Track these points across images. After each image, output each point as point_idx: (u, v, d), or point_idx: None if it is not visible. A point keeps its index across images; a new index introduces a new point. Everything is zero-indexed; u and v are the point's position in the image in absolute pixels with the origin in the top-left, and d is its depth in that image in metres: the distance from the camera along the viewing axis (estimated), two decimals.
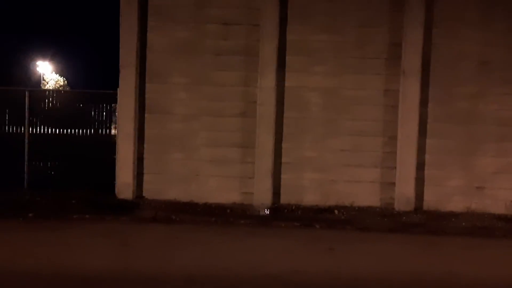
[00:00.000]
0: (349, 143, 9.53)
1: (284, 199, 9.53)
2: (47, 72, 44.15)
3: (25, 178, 9.99)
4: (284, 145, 9.53)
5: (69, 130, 10.21)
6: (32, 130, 9.96)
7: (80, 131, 10.21)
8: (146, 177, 9.63)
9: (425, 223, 8.85)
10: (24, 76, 33.88)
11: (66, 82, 42.57)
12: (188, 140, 9.60)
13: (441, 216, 9.20)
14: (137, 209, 9.03)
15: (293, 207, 9.41)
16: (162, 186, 9.58)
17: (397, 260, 6.60)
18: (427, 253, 7.01)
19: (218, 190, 9.53)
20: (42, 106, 9.94)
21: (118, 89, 9.53)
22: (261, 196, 9.39)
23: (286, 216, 9.07)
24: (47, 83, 41.83)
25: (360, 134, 9.50)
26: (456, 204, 9.37)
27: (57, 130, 10.19)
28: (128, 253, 6.51)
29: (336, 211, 9.25)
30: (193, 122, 9.57)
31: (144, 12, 9.53)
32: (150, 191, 9.62)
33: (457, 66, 9.38)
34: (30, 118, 9.84)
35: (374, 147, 9.50)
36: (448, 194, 9.43)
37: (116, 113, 9.66)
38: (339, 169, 9.52)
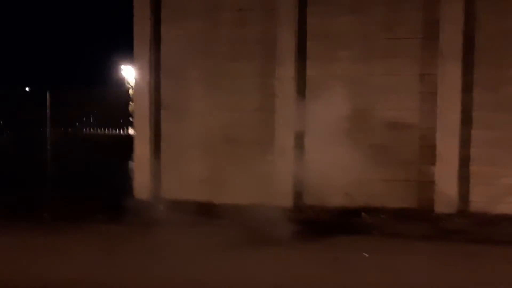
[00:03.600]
0: (380, 136, 8.45)
1: (307, 200, 8.67)
2: (131, 76, 45.94)
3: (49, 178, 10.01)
4: (306, 143, 8.66)
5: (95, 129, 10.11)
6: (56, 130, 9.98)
7: (107, 129, 10.06)
8: (163, 177, 9.23)
9: (469, 228, 7.58)
10: (110, 77, 35.20)
11: None
12: (205, 137, 9.05)
13: (490, 220, 7.85)
14: (148, 210, 8.64)
15: (317, 209, 8.53)
16: (179, 186, 9.12)
17: (424, 276, 5.55)
18: (465, 267, 5.88)
19: (237, 190, 8.87)
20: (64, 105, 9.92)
21: (134, 87, 9.22)
22: (282, 197, 8.60)
23: (307, 219, 8.25)
24: (131, 87, 43.47)
25: (393, 126, 8.38)
26: (508, 206, 7.96)
27: (83, 129, 10.14)
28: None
29: (363, 214, 8.24)
30: (210, 118, 9.00)
31: (158, 5, 9.10)
32: (168, 191, 9.20)
33: (507, 45, 7.94)
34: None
35: (409, 140, 8.34)
36: (499, 194, 8.03)
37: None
38: (368, 167, 8.46)
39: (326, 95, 8.59)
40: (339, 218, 8.17)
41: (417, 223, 7.83)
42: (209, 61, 8.96)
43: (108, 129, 10.51)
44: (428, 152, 8.26)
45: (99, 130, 10.55)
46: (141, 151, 9.16)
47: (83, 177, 9.95)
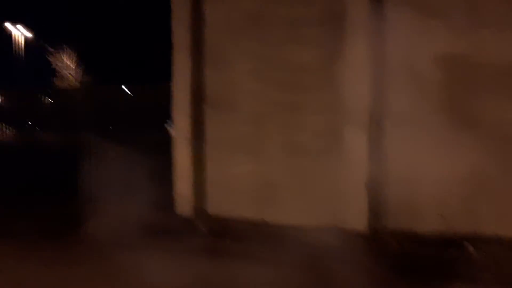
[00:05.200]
0: (493, 140, 6.10)
1: (388, 222, 6.53)
2: None
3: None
4: (385, 148, 6.53)
5: None
6: None
7: None
8: (208, 189, 7.58)
9: None
10: None
11: None
12: (258, 142, 7.23)
13: None
14: (189, 232, 7.03)
15: (401, 236, 6.37)
16: (227, 200, 7.42)
17: None
18: None
19: (296, 208, 6.99)
20: None
21: (172, 80, 7.66)
22: (353, 218, 6.56)
23: (387, 250, 6.16)
24: None
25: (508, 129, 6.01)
26: None
27: None
28: None
29: (467, 245, 5.95)
30: (264, 119, 7.17)
31: None
32: (214, 205, 7.54)
33: None
34: None
35: None
36: None
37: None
38: (475, 180, 6.15)
39: (415, 82, 6.41)
40: (431, 249, 5.99)
41: None
42: (263, 47, 7.13)
43: None
44: None
45: None
46: (182, 158, 7.58)
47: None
